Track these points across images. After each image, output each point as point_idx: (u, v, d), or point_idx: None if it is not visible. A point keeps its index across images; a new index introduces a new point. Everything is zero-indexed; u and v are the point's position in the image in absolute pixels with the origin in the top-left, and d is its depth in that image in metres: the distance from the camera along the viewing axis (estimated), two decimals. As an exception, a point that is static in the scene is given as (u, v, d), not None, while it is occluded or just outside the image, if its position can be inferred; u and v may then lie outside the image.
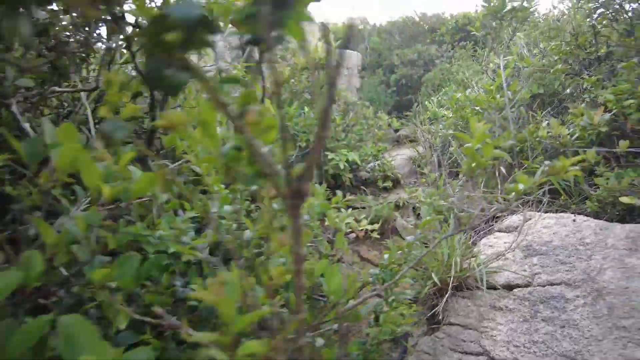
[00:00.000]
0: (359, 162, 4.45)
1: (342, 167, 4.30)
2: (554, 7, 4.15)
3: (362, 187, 5.22)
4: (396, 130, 9.85)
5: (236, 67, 6.20)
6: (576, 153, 2.69)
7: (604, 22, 3.57)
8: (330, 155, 4.38)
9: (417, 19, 12.67)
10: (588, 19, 3.76)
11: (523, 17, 3.25)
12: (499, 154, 2.98)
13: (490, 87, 3.38)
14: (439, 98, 6.25)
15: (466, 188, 3.57)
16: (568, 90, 3.24)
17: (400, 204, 4.53)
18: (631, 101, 2.43)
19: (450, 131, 3.62)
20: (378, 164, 5.06)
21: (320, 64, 4.95)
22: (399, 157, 6.91)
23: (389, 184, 5.30)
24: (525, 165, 3.21)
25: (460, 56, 8.99)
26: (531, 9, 3.33)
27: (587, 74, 3.54)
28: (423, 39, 11.17)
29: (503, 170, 3.31)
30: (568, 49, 3.84)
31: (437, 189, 3.61)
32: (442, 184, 3.55)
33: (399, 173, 6.06)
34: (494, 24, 3.87)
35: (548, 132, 2.73)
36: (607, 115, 2.46)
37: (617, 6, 3.52)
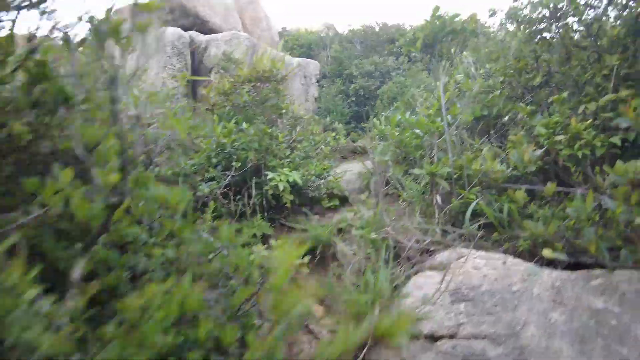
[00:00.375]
0: (300, 182, 4.23)
1: (281, 188, 4.07)
2: (501, 25, 4.09)
3: (305, 208, 5.01)
4: (354, 141, 9.76)
5: (178, 77, 5.83)
6: (505, 190, 2.61)
7: (544, 47, 3.54)
8: (270, 175, 4.14)
9: (376, 28, 12.69)
10: (530, 42, 3.74)
11: (463, 39, 3.16)
12: (438, 181, 2.81)
13: (428, 112, 3.27)
14: (389, 114, 6.16)
15: (402, 218, 3.43)
16: (506, 118, 3.17)
17: (344, 227, 4.35)
18: (561, 137, 2.35)
19: (386, 157, 3.48)
20: (323, 182, 4.87)
21: (265, 76, 4.72)
22: (351, 172, 6.78)
23: (335, 202, 5.12)
24: (462, 194, 3.10)
25: (412, 73, 9.02)
26: (477, 30, 3.26)
27: (530, 100, 3.50)
28: (381, 50, 11.17)
29: (439, 200, 3.19)
30: (511, 71, 3.80)
31: (375, 215, 3.45)
32: (379, 211, 3.40)
33: (347, 191, 5.91)
34: (437, 45, 3.77)
35: (481, 165, 2.62)
36: (539, 152, 2.38)
37: (558, 32, 3.50)
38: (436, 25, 3.07)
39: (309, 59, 10.06)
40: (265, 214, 4.54)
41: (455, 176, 3.28)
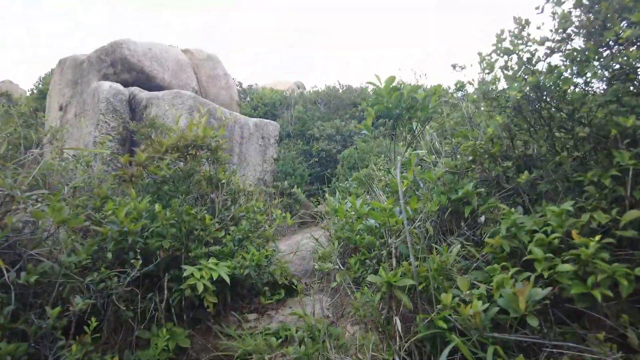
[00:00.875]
0: (228, 281, 3.35)
1: (201, 288, 3.17)
2: (470, 102, 3.52)
3: (241, 302, 4.08)
4: (315, 205, 9.01)
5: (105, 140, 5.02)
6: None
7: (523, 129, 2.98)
8: (188, 271, 3.24)
9: (340, 91, 12.49)
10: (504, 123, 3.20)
11: (425, 117, 2.54)
12: (398, 295, 1.93)
13: (383, 206, 2.55)
14: (347, 185, 5.49)
15: (352, 347, 2.58)
16: (482, 218, 2.49)
17: (283, 336, 3.44)
18: (568, 266, 1.64)
19: (329, 265, 2.68)
20: (263, 272, 4.00)
21: (197, 145, 3.96)
22: (307, 246, 5.92)
23: (279, 295, 4.22)
24: (429, 318, 2.32)
25: (379, 133, 8.58)
26: (435, 107, 2.67)
27: (507, 190, 2.87)
28: (344, 113, 10.83)
29: (398, 322, 2.39)
30: (481, 151, 3.21)
31: (316, 343, 2.59)
32: (323, 329, 2.55)
33: (298, 275, 5.03)
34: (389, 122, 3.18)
35: (456, 303, 1.87)
36: (541, 292, 1.66)
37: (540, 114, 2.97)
38: (391, 100, 2.67)
39: (267, 120, 9.50)
40: (185, 315, 3.58)
41: (420, 287, 2.51)
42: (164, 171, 3.63)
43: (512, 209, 2.27)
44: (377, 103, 2.48)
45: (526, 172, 2.36)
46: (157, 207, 3.26)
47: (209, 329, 3.78)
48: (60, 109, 8.48)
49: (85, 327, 2.56)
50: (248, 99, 16.42)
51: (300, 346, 2.54)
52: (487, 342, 1.92)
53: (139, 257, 3.08)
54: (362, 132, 8.92)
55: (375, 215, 2.80)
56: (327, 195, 4.93)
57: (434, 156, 4.06)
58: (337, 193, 4.96)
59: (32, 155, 3.75)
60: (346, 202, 3.18)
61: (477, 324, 1.72)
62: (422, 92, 2.77)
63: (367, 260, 2.93)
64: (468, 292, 1.85)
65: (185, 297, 3.46)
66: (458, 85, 2.90)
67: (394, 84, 2.46)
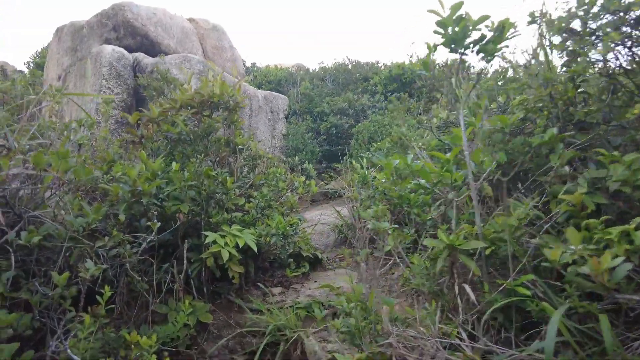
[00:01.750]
0: (255, 248, 2.98)
1: (226, 257, 2.80)
2: (524, 53, 3.11)
3: (264, 275, 3.72)
4: (327, 183, 8.64)
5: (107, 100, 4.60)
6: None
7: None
8: (210, 237, 2.87)
9: (349, 66, 12.01)
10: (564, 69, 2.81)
11: (492, 51, 2.14)
12: (464, 261, 1.57)
13: (445, 157, 2.17)
14: (369, 155, 5.10)
15: (406, 319, 2.22)
16: (566, 169, 2.10)
17: (316, 310, 3.09)
18: None
19: (385, 225, 2.28)
20: (288, 243, 3.64)
21: (213, 103, 3.55)
22: (323, 222, 5.56)
23: (304, 268, 3.87)
24: (503, 285, 1.96)
25: (394, 108, 8.15)
26: (504, 43, 2.27)
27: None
28: (355, 88, 10.37)
29: (469, 290, 2.03)
30: (540, 104, 2.82)
31: (364, 310, 2.23)
32: (371, 305, 2.19)
33: (320, 249, 4.68)
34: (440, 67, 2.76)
35: (567, 256, 1.49)
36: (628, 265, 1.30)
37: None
38: (458, 30, 2.40)
39: (276, 93, 9.06)
40: (205, 288, 3.23)
41: (487, 251, 2.15)
42: (179, 127, 3.23)
43: (615, 153, 1.90)
44: (440, 34, 2.08)
45: (637, 106, 1.99)
46: (174, 165, 2.87)
47: (230, 304, 3.43)
48: (59, 79, 8.01)
49: (98, 297, 2.19)
50: (252, 76, 15.91)
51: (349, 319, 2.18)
52: (590, 309, 1.56)
53: (155, 220, 2.71)
54: (376, 105, 8.48)
55: (425, 175, 2.42)
56: (353, 163, 4.53)
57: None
58: (360, 162, 4.58)
59: (30, 111, 3.35)
60: (394, 161, 2.80)
61: (606, 284, 1.36)
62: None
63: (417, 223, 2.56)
64: (580, 247, 1.49)
65: (206, 268, 3.10)
66: (530, 19, 2.49)
67: (459, 13, 2.07)
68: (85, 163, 3.70)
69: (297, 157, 8.39)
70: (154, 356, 2.21)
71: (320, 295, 3.41)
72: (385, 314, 2.12)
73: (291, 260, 3.76)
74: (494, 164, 2.45)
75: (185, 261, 2.90)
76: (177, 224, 2.79)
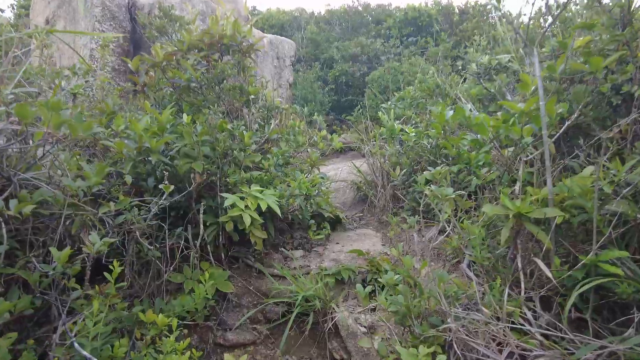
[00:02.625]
0: (279, 212, 2.66)
1: (248, 221, 2.49)
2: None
3: (281, 244, 3.43)
4: (339, 134, 8.23)
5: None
6: None
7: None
8: (229, 200, 2.54)
9: (359, 8, 11.14)
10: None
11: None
12: (534, 231, 1.14)
13: (517, 107, 1.79)
14: (391, 106, 4.66)
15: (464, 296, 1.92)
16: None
17: (346, 279, 2.82)
18: None
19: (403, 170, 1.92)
20: (310, 203, 3.32)
21: (224, 44, 3.09)
22: (339, 177, 5.22)
23: (325, 230, 3.58)
24: (583, 261, 1.65)
25: (431, 52, 7.55)
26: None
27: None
28: (367, 32, 9.65)
29: (541, 265, 1.72)
30: (611, 47, 2.41)
31: (416, 289, 1.93)
32: (423, 268, 1.90)
33: (339, 208, 4.38)
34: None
35: None
36: None
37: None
38: None
39: (283, 38, 8.40)
40: (223, 253, 2.95)
41: (559, 220, 1.82)
42: (189, 73, 2.79)
43: None
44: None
45: None
46: (185, 117, 2.48)
47: (248, 268, 3.17)
48: (47, 22, 7.35)
49: (107, 274, 1.89)
50: (253, 21, 14.95)
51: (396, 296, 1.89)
52: None
53: (166, 181, 2.36)
54: (391, 51, 7.88)
55: (482, 129, 2.04)
56: (379, 115, 4.10)
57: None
58: (391, 112, 4.15)
59: (14, 54, 2.91)
60: (446, 112, 2.39)
61: None
62: None
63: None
64: None
65: (223, 231, 2.80)
66: None
67: None
68: (83, 116, 3.31)
69: (306, 108, 7.94)
70: (174, 336, 1.95)
71: (346, 259, 3.14)
72: (440, 291, 1.83)
73: (312, 221, 3.45)
74: (573, 117, 2.07)
75: (201, 225, 2.59)
76: (191, 185, 2.45)
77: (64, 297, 1.83)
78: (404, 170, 3.46)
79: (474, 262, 2.56)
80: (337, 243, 3.60)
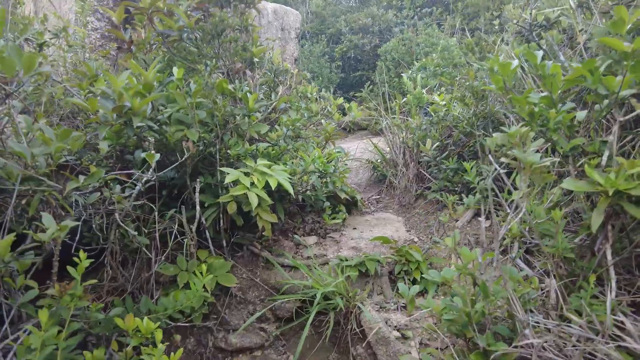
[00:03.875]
0: (291, 191, 2.19)
1: (255, 202, 2.02)
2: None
3: (292, 229, 2.97)
4: (343, 113, 7.72)
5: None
6: None
7: None
8: (231, 176, 2.07)
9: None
10: None
11: None
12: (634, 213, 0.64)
13: (623, 46, 1.31)
14: (412, 75, 4.14)
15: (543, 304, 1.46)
16: None
17: (371, 271, 2.36)
18: None
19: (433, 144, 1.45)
20: (326, 182, 2.86)
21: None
22: (351, 154, 4.73)
23: (342, 214, 3.12)
24: None
25: (425, 25, 6.98)
26: None
27: None
28: (377, 3, 9.02)
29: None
30: None
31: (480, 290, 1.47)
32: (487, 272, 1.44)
33: (357, 189, 3.91)
34: None
35: None
36: None
37: None
38: None
39: (288, 8, 7.81)
40: (225, 239, 2.49)
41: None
42: (182, 21, 2.29)
43: None
44: None
45: None
46: (176, 72, 1.99)
47: (254, 257, 2.72)
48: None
49: (70, 269, 1.44)
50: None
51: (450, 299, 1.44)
52: None
53: (152, 150, 1.90)
54: (404, 22, 7.30)
55: (554, 84, 1.55)
56: (403, 79, 3.59)
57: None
58: (417, 77, 3.65)
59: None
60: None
61: None
62: None
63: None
64: None
65: (224, 214, 2.34)
66: None
67: None
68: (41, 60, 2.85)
69: (312, 84, 7.40)
70: (161, 345, 1.51)
71: (368, 247, 2.69)
72: (513, 295, 1.37)
73: (327, 203, 2.99)
74: None
75: (198, 207, 2.13)
76: (184, 156, 1.98)
77: (10, 300, 1.37)
78: (436, 144, 2.97)
79: (526, 253, 2.10)
80: (355, 228, 3.14)
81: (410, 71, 4.21)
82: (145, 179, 1.80)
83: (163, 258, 2.27)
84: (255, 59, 3.07)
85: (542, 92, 1.70)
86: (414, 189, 3.51)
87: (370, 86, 7.21)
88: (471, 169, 2.35)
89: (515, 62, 1.67)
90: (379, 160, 4.12)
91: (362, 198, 3.90)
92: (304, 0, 12.22)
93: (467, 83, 2.85)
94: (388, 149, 4.02)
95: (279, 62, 3.21)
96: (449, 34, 7.09)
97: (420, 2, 8.21)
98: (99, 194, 1.74)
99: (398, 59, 6.49)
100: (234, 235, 2.61)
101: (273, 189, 2.08)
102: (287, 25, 7.70)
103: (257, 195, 2.06)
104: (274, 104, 2.99)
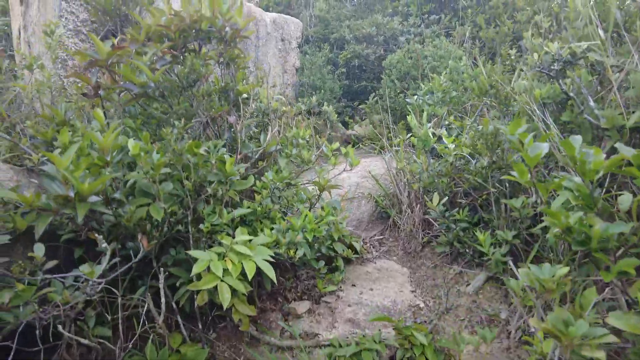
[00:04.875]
0: (274, 277, 1.87)
1: (226, 299, 1.70)
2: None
3: (280, 292, 2.65)
4: (348, 128, 7.37)
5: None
6: None
7: None
8: (200, 264, 1.75)
9: (374, -18, 10.03)
10: None
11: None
12: None
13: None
14: (417, 101, 3.78)
15: None
16: None
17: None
18: None
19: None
20: (319, 244, 2.53)
21: (201, 31, 2.28)
22: (352, 182, 4.39)
23: (338, 275, 2.79)
24: None
25: (433, 34, 6.58)
26: None
27: None
28: (382, 9, 8.61)
29: None
30: None
31: None
32: None
33: (355, 233, 3.58)
34: None
35: None
36: None
37: None
38: None
39: (288, 17, 7.47)
40: (200, 317, 2.19)
41: None
42: (144, 76, 1.97)
43: None
44: None
45: None
46: (131, 143, 1.68)
47: (237, 331, 2.41)
48: (21, 3, 6.52)
49: None
50: (256, -2, 13.89)
51: None
52: None
53: (103, 243, 1.59)
54: (410, 31, 6.91)
55: (589, 175, 1.20)
56: (408, 119, 3.23)
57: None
58: (435, 83, 3.29)
59: None
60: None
61: None
62: None
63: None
64: None
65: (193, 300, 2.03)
66: None
67: None
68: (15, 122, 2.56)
69: (314, 97, 7.07)
70: None
71: (366, 321, 2.37)
72: None
73: (322, 263, 2.67)
74: None
75: (163, 298, 1.82)
76: (137, 255, 1.67)
77: None
78: (444, 200, 2.63)
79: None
80: (354, 285, 2.82)
81: (416, 97, 3.86)
82: (90, 283, 1.49)
83: (130, 345, 1.98)
84: (244, 95, 2.75)
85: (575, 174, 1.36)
86: (420, 236, 3.17)
87: (375, 98, 6.86)
88: (484, 240, 2.01)
89: (545, 147, 1.33)
90: (380, 196, 3.78)
91: (363, 239, 3.57)
92: (307, 4, 11.85)
93: (480, 129, 2.50)
94: (391, 180, 3.68)
95: (267, 101, 2.88)
96: (458, 43, 6.70)
97: (428, 7, 7.80)
98: (34, 307, 1.44)
99: (404, 73, 6.12)
100: (212, 312, 2.31)
101: (250, 279, 1.76)
102: (287, 35, 7.37)
103: (231, 286, 1.74)
104: (263, 148, 2.67)
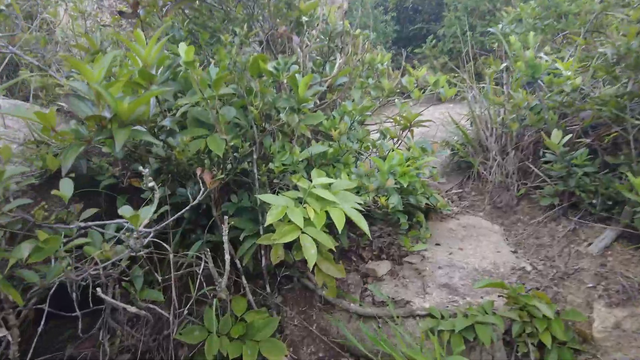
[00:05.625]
0: (366, 228, 1.44)
1: (312, 257, 1.29)
2: None
3: (360, 251, 2.23)
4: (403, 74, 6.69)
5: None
6: None
7: None
8: (273, 214, 1.33)
9: None
10: None
11: None
12: None
13: None
14: (511, 31, 3.11)
15: None
16: None
17: (485, 341, 1.61)
18: None
19: None
20: (408, 193, 2.07)
21: None
22: (417, 132, 3.83)
23: (422, 231, 2.33)
24: None
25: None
26: None
27: None
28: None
29: None
30: None
31: None
32: None
33: (433, 185, 3.07)
34: None
35: None
36: None
37: None
38: None
39: (335, -50, 6.66)
40: (267, 274, 1.82)
41: None
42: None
43: None
44: None
45: None
46: (182, 47, 1.24)
47: (307, 293, 2.04)
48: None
49: None
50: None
51: None
52: None
53: (151, 182, 1.20)
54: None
55: None
56: (510, 39, 2.61)
57: None
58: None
59: None
60: None
61: None
62: None
63: None
64: None
65: (267, 248, 1.65)
66: None
67: None
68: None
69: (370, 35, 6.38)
70: None
71: (465, 288, 1.92)
72: None
73: (405, 217, 2.22)
74: None
75: (226, 249, 1.43)
76: (200, 194, 1.26)
77: None
78: (567, 138, 2.05)
79: None
80: (438, 244, 2.36)
81: (501, 25, 3.20)
82: (135, 236, 1.11)
83: (186, 311, 1.64)
84: (304, 18, 2.25)
85: None
86: (515, 187, 2.64)
87: (433, 41, 6.12)
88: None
89: None
90: (459, 142, 3.23)
91: (440, 193, 3.07)
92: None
93: (617, 44, 1.88)
94: (474, 127, 3.11)
95: (335, 22, 2.36)
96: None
97: None
98: (63, 265, 1.08)
99: (471, 8, 5.33)
100: (281, 268, 1.93)
101: (340, 231, 1.32)
102: (335, -29, 6.61)
103: (316, 240, 1.32)
104: (330, 79, 2.18)
